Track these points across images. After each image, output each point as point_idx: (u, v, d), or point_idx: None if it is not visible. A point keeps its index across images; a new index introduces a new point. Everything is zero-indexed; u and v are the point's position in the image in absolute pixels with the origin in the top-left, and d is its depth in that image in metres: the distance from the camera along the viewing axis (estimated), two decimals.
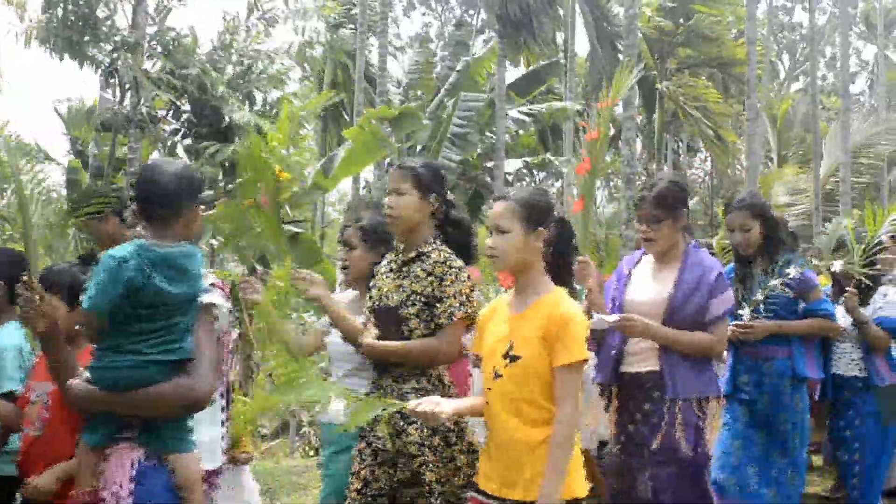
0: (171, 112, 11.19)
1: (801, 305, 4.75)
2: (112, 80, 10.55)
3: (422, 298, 3.41)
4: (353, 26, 20.55)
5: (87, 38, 9.79)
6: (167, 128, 11.31)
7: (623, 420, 3.88)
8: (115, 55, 10.00)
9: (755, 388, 4.69)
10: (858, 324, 5.25)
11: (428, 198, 3.56)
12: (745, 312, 4.61)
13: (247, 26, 11.38)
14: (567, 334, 2.87)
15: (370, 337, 3.50)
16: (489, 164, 20.33)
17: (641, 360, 3.84)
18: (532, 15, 19.75)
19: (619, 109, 24.77)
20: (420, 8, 33.61)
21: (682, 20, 23.80)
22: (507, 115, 19.71)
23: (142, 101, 10.35)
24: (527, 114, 21.84)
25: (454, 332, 3.36)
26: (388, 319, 3.45)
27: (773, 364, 4.66)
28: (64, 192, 18.86)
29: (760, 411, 4.67)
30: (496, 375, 2.97)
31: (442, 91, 19.97)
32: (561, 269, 3.08)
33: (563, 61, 23.62)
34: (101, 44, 9.87)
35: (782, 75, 38.52)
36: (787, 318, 4.70)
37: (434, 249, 3.49)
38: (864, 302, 5.31)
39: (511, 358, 2.94)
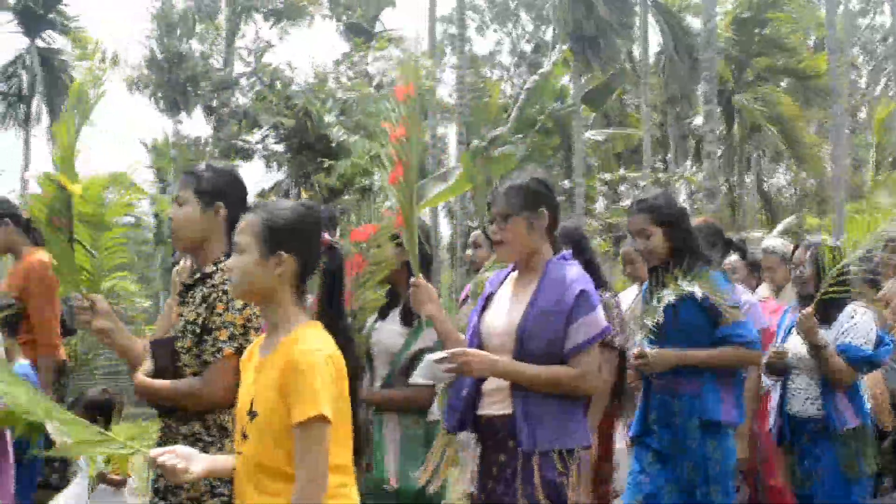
0: (266, 139, 11.90)
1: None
2: (209, 116, 11.23)
3: (195, 329, 2.89)
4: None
5: (188, 86, 10.49)
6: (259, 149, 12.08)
7: (482, 473, 3.17)
8: (214, 94, 10.68)
9: (664, 430, 3.86)
10: (815, 350, 4.12)
11: (213, 207, 2.97)
12: (638, 339, 3.84)
13: (336, 75, 11.97)
14: (300, 383, 2.30)
15: (142, 373, 2.96)
16: (567, 185, 20.34)
17: (495, 401, 3.13)
18: (604, 31, 19.77)
19: (698, 121, 24.55)
20: (493, 25, 33.72)
21: (757, 30, 23.47)
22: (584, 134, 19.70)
23: (241, 133, 11.18)
24: (602, 135, 21.85)
25: (220, 372, 2.80)
26: (163, 353, 2.96)
27: (682, 401, 3.80)
28: (152, 220, 19.85)
29: (668, 457, 3.84)
30: (243, 436, 2.44)
31: (515, 111, 19.99)
32: (329, 307, 2.54)
33: (629, 68, 23.59)
34: (201, 84, 10.54)
35: (863, 80, 37.51)
36: (701, 344, 3.80)
37: (220, 270, 2.90)
38: (826, 323, 4.19)
39: (251, 415, 2.41)
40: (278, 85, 11.15)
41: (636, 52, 24.19)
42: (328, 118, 11.32)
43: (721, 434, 3.79)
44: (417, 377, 3.35)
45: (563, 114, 19.19)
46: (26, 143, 21.71)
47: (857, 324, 4.15)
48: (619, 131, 21.75)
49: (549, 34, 28.79)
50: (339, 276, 2.61)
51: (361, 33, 18.11)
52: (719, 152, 22.80)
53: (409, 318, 3.71)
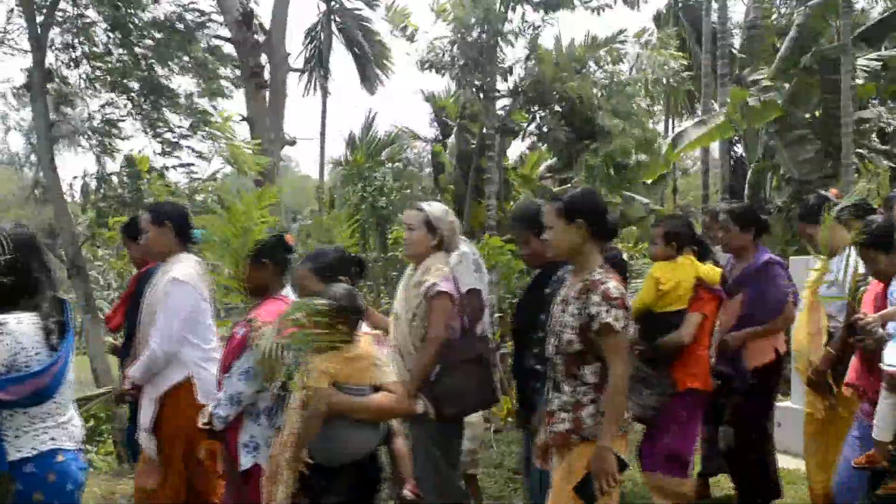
0: (533, 118, 13.63)
1: None
2: (478, 94, 13.12)
3: None
4: None
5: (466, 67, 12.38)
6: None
7: None
8: (490, 74, 12.48)
9: None
10: None
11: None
12: None
13: (595, 58, 13.21)
14: None
15: None
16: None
17: None
18: None
19: None
20: None
21: None
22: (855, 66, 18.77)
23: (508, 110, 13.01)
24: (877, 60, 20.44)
25: None
26: None
27: None
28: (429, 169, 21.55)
29: None
30: None
31: (786, 43, 19.37)
32: None
33: None
34: (487, 66, 12.41)
35: None
36: None
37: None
38: None
39: None
40: (550, 71, 12.75)
41: None
42: (595, 101, 12.72)
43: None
44: None
45: (829, 53, 18.38)
46: (323, 107, 23.92)
47: None
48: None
49: None
50: None
51: None
52: None
53: None
